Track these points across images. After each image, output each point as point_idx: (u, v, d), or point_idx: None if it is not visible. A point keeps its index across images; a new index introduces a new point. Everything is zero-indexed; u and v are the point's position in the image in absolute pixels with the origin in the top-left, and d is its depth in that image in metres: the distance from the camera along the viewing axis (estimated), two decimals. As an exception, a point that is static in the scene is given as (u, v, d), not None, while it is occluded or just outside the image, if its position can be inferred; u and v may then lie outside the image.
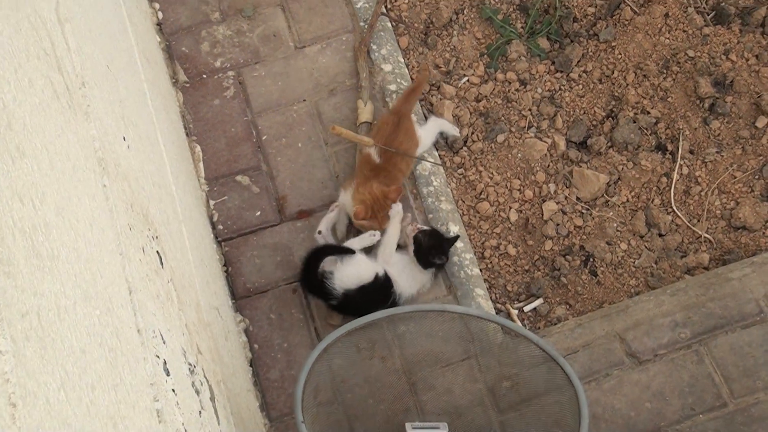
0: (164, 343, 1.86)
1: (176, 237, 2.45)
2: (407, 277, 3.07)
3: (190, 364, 2.09)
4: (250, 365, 3.05)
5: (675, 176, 3.28)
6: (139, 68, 2.76)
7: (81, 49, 1.98)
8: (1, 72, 1.35)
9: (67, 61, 1.83)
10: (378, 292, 3.00)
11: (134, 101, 2.49)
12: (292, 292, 3.15)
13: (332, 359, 2.66)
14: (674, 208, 3.25)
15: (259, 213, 3.27)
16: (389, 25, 3.55)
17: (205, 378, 2.20)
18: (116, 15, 2.72)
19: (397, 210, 3.09)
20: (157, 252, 2.11)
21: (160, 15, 3.58)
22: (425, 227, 3.12)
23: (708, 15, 3.51)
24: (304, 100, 3.43)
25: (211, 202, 3.27)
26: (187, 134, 3.38)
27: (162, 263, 2.12)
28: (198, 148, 3.35)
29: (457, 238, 3.11)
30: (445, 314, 2.77)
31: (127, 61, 2.63)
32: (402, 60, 3.50)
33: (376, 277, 3.01)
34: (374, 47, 3.49)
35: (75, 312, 1.36)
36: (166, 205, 2.45)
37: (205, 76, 3.49)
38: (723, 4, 3.49)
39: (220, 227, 3.25)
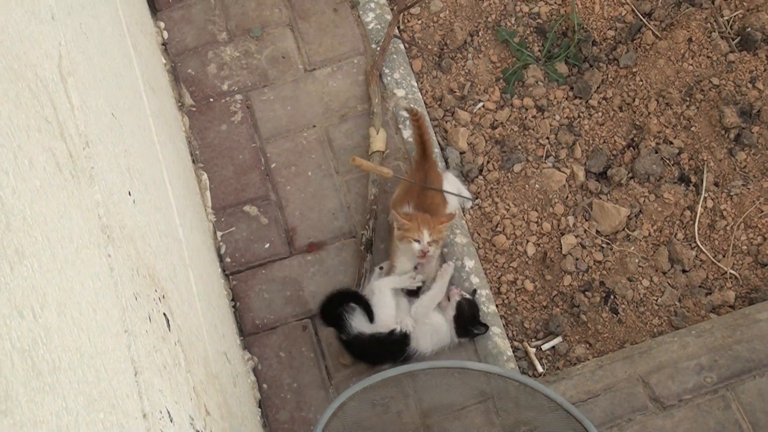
0: (171, 421, 1.76)
1: (183, 287, 2.34)
2: (432, 335, 2.94)
3: (197, 431, 1.99)
4: (259, 406, 2.95)
5: (699, 209, 3.17)
6: (144, 102, 2.65)
7: (85, 104, 1.87)
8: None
9: (71, 123, 1.72)
10: (390, 347, 2.89)
11: (139, 144, 2.38)
12: (302, 330, 3.05)
13: (346, 416, 2.55)
14: (698, 243, 3.14)
15: (267, 245, 3.16)
16: (402, 47, 3.44)
17: (214, 441, 2.10)
18: (120, 47, 2.60)
19: (448, 270, 2.98)
20: (164, 314, 2.00)
21: (165, 35, 3.47)
22: (467, 295, 3.00)
23: (733, 40, 3.39)
24: (314, 126, 3.32)
25: (219, 234, 3.17)
26: (193, 161, 3.26)
27: (169, 325, 2.01)
28: (205, 176, 3.24)
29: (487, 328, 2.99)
30: (466, 370, 2.66)
31: (133, 98, 2.51)
32: (415, 84, 3.38)
33: (392, 332, 2.89)
34: (386, 71, 3.38)
35: (77, 425, 1.25)
36: (173, 255, 2.34)
37: (212, 99, 3.37)
38: (749, 29, 3.36)
39: (228, 260, 3.14)
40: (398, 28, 3.47)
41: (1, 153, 1.28)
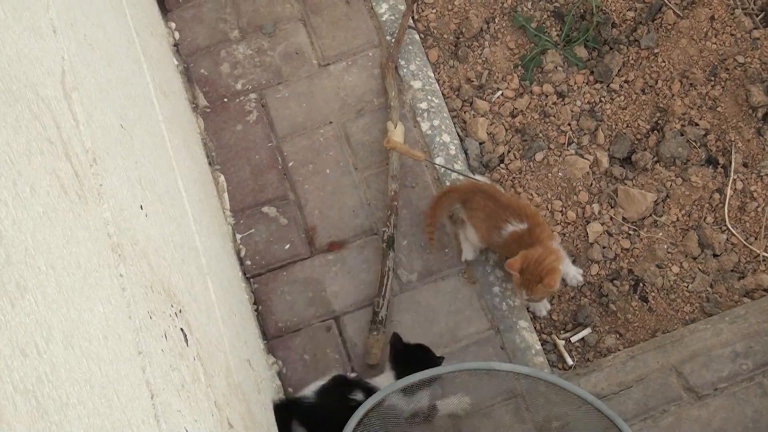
0: (192, 441, 1.72)
1: (202, 297, 2.30)
2: None
3: (221, 447, 1.95)
4: (285, 411, 2.90)
5: (728, 192, 3.09)
6: (156, 108, 2.60)
7: (91, 118, 1.82)
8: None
9: (76, 140, 1.67)
10: None
11: (151, 153, 2.33)
12: (326, 331, 3.00)
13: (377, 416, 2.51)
14: (729, 226, 3.06)
15: (288, 246, 3.11)
16: (417, 37, 3.37)
17: (239, 457, 2.06)
18: (129, 54, 2.55)
19: None
20: (182, 329, 1.95)
21: (177, 35, 3.42)
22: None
23: (757, 17, 3.29)
24: (331, 122, 3.26)
25: (238, 236, 3.12)
26: (209, 163, 3.22)
27: (187, 340, 1.97)
28: (222, 178, 3.19)
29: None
30: (492, 372, 2.61)
31: (143, 106, 2.46)
32: (432, 75, 3.32)
33: None
34: (402, 63, 3.31)
35: (89, 463, 1.21)
36: (190, 265, 2.29)
37: (226, 99, 3.32)
38: (773, 3, 3.27)
39: (248, 263, 3.09)
40: (413, 18, 3.40)
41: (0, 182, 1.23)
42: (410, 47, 3.33)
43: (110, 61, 2.25)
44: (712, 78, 3.22)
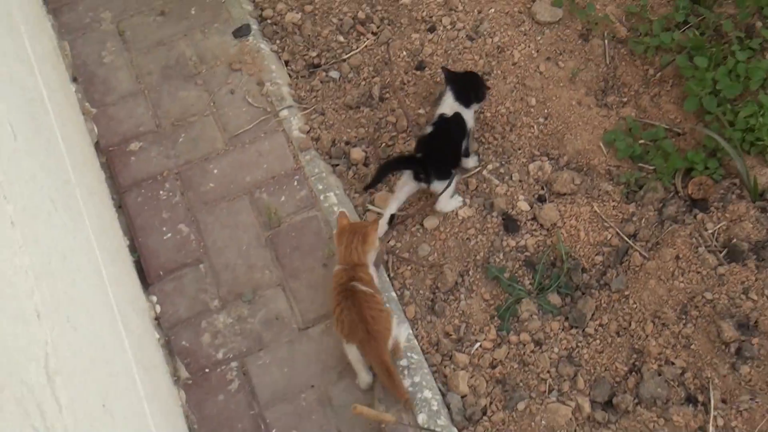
0: None
1: None
2: None
3: None
4: None
5: (711, 429, 3.09)
6: (137, 385, 2.62)
7: (74, 402, 1.85)
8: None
9: (59, 425, 1.69)
10: None
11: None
12: None
13: None
14: (717, 464, 3.04)
15: None
16: (394, 295, 3.45)
17: None
18: (111, 331, 2.60)
19: None
20: None
21: (158, 309, 3.48)
22: None
23: (720, 253, 3.41)
24: (313, 386, 3.28)
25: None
26: (193, 435, 3.20)
27: None
28: (206, 450, 3.17)
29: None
30: None
31: (125, 384, 2.49)
32: (411, 331, 3.37)
33: None
34: (381, 322, 3.37)
35: None
36: None
37: (207, 369, 3.35)
38: (734, 240, 3.40)
39: None
40: (388, 275, 3.50)
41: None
42: (388, 305, 3.41)
43: (93, 341, 2.29)
44: (683, 316, 3.29)
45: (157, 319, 3.47)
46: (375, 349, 3.08)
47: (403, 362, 3.25)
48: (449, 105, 3.64)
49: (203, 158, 3.85)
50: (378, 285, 3.28)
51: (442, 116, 3.62)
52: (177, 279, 3.56)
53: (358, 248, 3.24)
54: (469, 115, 3.65)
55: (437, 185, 3.52)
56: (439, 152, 3.54)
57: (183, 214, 3.70)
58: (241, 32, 4.23)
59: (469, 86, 3.68)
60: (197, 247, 3.62)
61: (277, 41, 4.24)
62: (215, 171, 3.81)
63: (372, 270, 3.30)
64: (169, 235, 3.65)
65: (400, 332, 3.29)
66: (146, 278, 3.57)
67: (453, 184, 3.55)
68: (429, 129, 3.59)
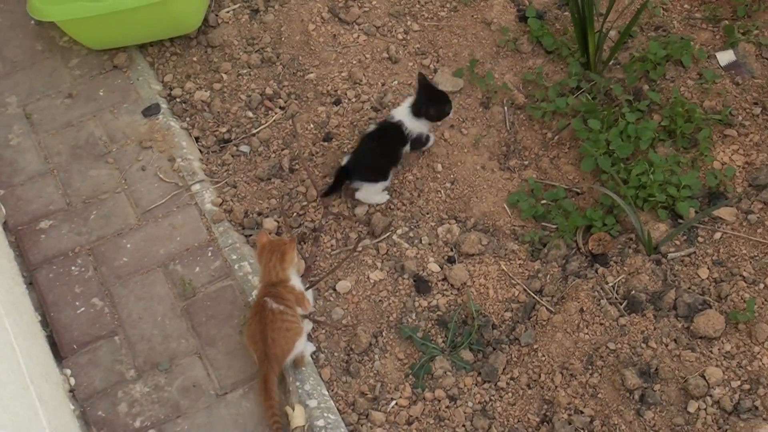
0: None
1: None
2: None
3: None
4: None
5: (621, 474, 3.20)
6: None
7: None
8: None
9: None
10: None
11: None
12: None
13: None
14: (628, 507, 3.14)
15: None
16: (310, 359, 3.50)
17: None
18: (24, 401, 2.62)
19: None
20: None
21: (73, 381, 3.47)
22: None
23: (621, 305, 3.56)
24: (232, 452, 3.30)
25: None
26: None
27: None
28: None
29: None
30: None
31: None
32: (326, 393, 3.42)
33: None
34: (298, 384, 3.42)
35: None
36: None
37: (125, 439, 3.34)
38: (633, 292, 3.55)
39: None
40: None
41: None
42: (303, 368, 3.46)
43: (5, 407, 2.30)
44: (590, 366, 3.42)
45: (71, 391, 3.46)
46: (266, 369, 3.26)
47: (320, 422, 3.30)
48: (402, 110, 3.85)
49: (116, 234, 3.88)
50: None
51: (386, 119, 3.89)
52: (91, 351, 3.56)
53: (276, 266, 3.35)
54: (415, 126, 3.85)
55: (361, 187, 3.86)
56: (369, 154, 3.79)
57: (96, 288, 3.72)
58: (151, 111, 4.30)
59: (427, 101, 3.85)
60: (111, 319, 3.64)
61: (187, 118, 4.32)
62: (128, 246, 3.84)
63: (296, 282, 3.42)
64: (83, 309, 3.66)
65: (307, 347, 3.47)
66: (59, 352, 3.56)
67: (387, 183, 3.88)
68: (371, 128, 3.87)
